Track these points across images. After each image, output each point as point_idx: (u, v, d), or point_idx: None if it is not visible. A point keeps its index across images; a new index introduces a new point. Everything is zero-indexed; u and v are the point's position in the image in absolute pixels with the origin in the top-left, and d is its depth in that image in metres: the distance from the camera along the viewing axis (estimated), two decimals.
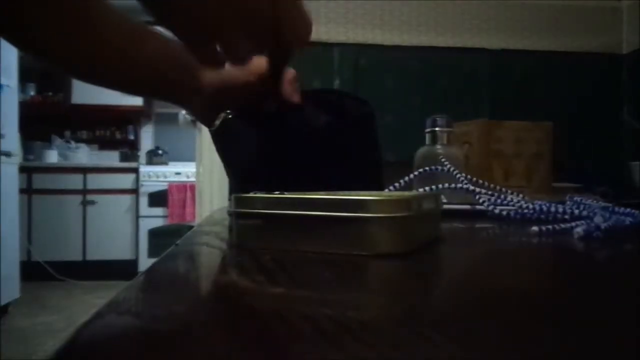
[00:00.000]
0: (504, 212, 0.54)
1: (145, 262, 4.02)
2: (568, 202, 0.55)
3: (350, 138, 0.48)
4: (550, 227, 0.42)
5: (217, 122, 0.51)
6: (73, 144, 4.49)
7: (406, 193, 0.40)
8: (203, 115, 0.58)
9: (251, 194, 0.35)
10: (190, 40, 0.38)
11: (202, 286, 0.27)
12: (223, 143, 0.53)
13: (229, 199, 0.45)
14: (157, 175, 4.27)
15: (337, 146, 0.47)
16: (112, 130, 4.77)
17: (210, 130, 0.54)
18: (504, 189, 0.60)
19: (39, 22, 0.45)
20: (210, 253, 0.37)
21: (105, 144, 4.77)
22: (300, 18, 0.38)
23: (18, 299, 3.13)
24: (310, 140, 0.46)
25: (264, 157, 0.48)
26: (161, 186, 4.23)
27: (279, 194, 0.34)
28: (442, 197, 0.47)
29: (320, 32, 1.57)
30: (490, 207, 0.55)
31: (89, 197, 4.15)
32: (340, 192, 0.34)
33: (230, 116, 0.51)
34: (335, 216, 0.31)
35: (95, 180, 4.18)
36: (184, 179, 4.26)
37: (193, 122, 2.22)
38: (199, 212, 1.79)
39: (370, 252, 0.31)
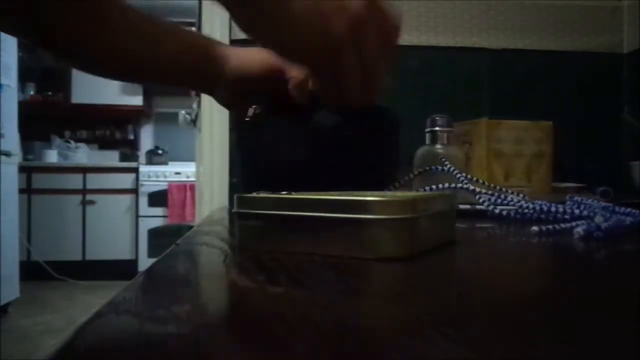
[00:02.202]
0: (504, 212, 0.54)
1: (145, 262, 4.01)
2: (568, 202, 0.55)
3: (371, 143, 0.50)
4: (550, 227, 0.42)
5: (250, 114, 0.53)
6: (73, 144, 4.49)
7: (411, 193, 0.40)
8: (229, 103, 0.61)
9: (254, 194, 0.34)
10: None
11: (202, 286, 0.27)
12: (249, 139, 0.55)
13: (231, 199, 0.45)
14: (157, 175, 4.26)
15: (356, 148, 0.49)
16: (112, 130, 4.77)
17: (240, 123, 0.56)
18: (504, 189, 0.60)
19: (58, 23, 0.46)
20: (210, 253, 0.37)
21: (105, 144, 4.77)
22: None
23: (18, 299, 3.13)
24: (330, 140, 0.48)
25: (287, 157, 0.50)
26: (161, 186, 4.23)
27: (286, 194, 0.34)
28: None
29: None
30: (491, 207, 0.55)
31: (89, 197, 4.15)
32: (344, 193, 0.34)
33: (259, 111, 0.53)
34: (338, 217, 0.31)
35: (95, 180, 4.18)
36: (184, 178, 4.25)
37: (193, 121, 2.22)
38: (199, 212, 1.79)
39: (373, 255, 0.30)
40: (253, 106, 0.53)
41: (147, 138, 4.92)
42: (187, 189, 4.16)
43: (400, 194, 0.36)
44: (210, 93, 0.60)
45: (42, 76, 4.44)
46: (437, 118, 0.76)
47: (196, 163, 2.14)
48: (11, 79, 3.10)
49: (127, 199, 4.23)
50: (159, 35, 0.53)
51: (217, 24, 1.48)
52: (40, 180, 4.08)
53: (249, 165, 0.55)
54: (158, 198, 4.21)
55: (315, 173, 0.47)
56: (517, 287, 0.26)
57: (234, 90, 0.56)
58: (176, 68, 0.54)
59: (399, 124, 0.53)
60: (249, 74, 0.55)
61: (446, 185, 0.60)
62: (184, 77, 0.57)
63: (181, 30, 0.55)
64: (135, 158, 4.72)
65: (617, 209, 0.49)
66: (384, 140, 0.52)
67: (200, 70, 0.55)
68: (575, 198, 0.56)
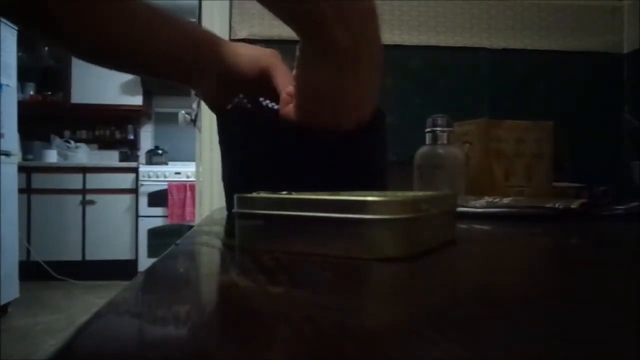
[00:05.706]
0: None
1: (145, 262, 4.02)
2: None
3: (357, 139, 0.48)
4: None
5: (233, 103, 0.53)
6: (72, 144, 4.49)
7: (411, 193, 0.39)
8: (212, 99, 0.58)
9: (253, 194, 0.34)
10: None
11: (202, 286, 0.27)
12: (228, 130, 0.54)
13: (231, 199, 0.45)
14: (157, 175, 4.26)
15: (343, 145, 0.48)
16: (112, 130, 4.77)
17: (218, 115, 0.55)
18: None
19: (59, 8, 0.46)
20: (210, 253, 0.37)
21: (104, 144, 4.77)
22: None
23: (18, 299, 3.13)
24: (314, 138, 0.47)
25: (265, 154, 0.49)
26: (161, 186, 4.23)
27: (286, 194, 0.34)
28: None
29: None
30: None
31: (89, 196, 4.15)
32: (344, 193, 0.34)
33: (243, 100, 0.53)
34: (338, 217, 0.31)
35: (95, 180, 4.18)
36: (183, 178, 4.25)
37: (193, 121, 2.22)
38: (199, 212, 1.79)
39: (373, 255, 0.30)
40: (235, 99, 0.53)
41: (147, 138, 4.92)
42: (187, 189, 4.17)
43: (400, 194, 0.35)
44: (196, 86, 0.58)
45: (42, 76, 4.45)
46: (437, 118, 0.76)
47: (196, 163, 2.14)
48: (11, 78, 3.10)
49: (127, 199, 4.23)
50: (153, 20, 0.52)
51: (216, 24, 1.48)
52: (40, 180, 4.08)
53: (227, 158, 0.55)
54: (158, 198, 4.21)
55: (299, 173, 0.46)
56: (517, 287, 0.26)
57: (220, 85, 0.55)
58: (168, 56, 0.53)
59: (383, 115, 0.52)
60: (238, 69, 0.53)
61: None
62: (176, 65, 0.55)
63: (176, 22, 0.53)
64: (135, 158, 4.72)
65: None
66: (367, 137, 0.50)
67: (191, 59, 0.54)
68: None
